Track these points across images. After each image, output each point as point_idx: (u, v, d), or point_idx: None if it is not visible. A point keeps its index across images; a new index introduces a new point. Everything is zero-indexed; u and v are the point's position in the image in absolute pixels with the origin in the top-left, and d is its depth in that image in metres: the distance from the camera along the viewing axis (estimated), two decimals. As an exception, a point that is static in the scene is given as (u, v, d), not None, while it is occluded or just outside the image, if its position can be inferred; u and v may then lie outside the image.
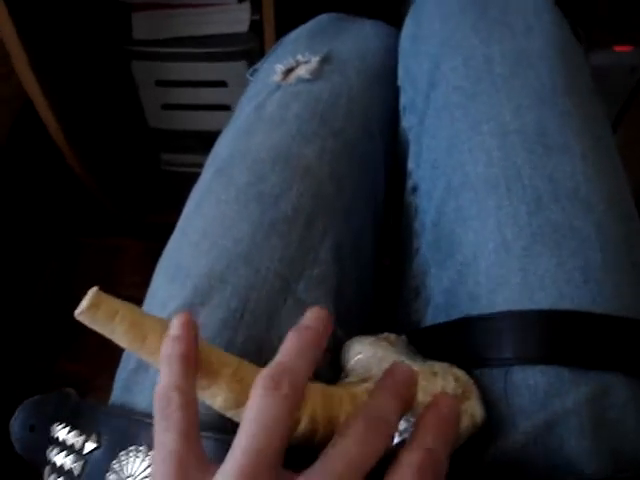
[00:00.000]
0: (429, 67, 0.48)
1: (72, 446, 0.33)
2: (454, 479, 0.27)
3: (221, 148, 0.46)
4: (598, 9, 0.90)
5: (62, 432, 0.34)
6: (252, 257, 0.36)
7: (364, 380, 0.32)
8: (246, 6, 0.90)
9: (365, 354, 0.33)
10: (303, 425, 0.28)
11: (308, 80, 0.47)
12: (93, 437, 0.32)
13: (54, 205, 1.11)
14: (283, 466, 0.25)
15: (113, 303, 0.28)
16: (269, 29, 0.83)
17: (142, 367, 0.35)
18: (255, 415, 0.24)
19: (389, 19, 0.59)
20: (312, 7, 0.60)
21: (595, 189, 0.37)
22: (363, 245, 0.44)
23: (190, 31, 0.93)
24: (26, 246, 1.05)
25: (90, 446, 0.32)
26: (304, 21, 0.56)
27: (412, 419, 0.29)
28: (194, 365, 0.27)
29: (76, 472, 0.32)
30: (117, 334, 0.28)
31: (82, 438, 0.33)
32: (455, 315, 0.36)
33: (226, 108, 0.98)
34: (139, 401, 0.34)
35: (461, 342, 0.35)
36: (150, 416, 0.27)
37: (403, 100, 0.52)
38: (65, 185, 1.04)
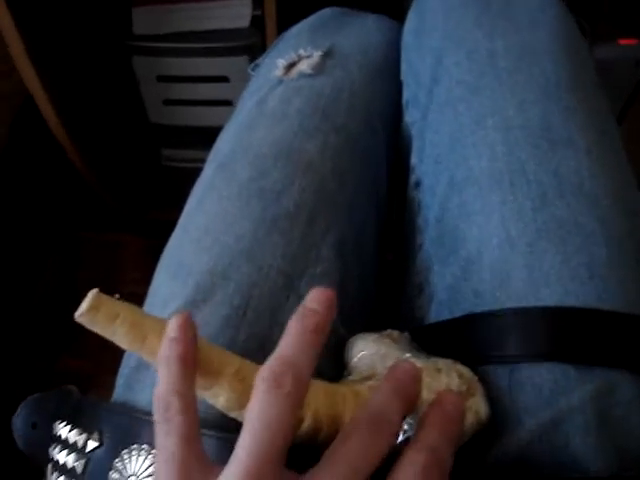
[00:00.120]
0: (432, 61, 0.47)
1: (74, 444, 0.33)
2: (459, 477, 0.27)
3: (223, 143, 0.46)
4: (603, 2, 0.89)
5: (64, 430, 0.33)
6: (254, 254, 0.36)
7: (367, 378, 0.31)
8: (247, 1, 0.90)
9: (368, 351, 0.33)
10: (306, 424, 0.28)
11: (310, 75, 0.47)
12: (95, 435, 0.32)
13: (55, 200, 1.11)
14: (286, 465, 0.24)
15: (113, 305, 0.28)
16: (271, 24, 0.82)
17: (144, 365, 0.35)
18: (258, 414, 0.24)
19: (391, 13, 0.58)
20: (314, 1, 0.59)
21: (600, 184, 0.36)
22: (366, 241, 0.44)
23: (191, 26, 0.92)
24: (27, 241, 1.05)
25: (92, 444, 0.32)
26: (306, 16, 0.56)
27: (416, 416, 0.29)
28: (193, 366, 0.27)
29: (78, 470, 0.32)
30: (117, 336, 0.28)
31: (84, 436, 0.33)
32: (459, 312, 0.36)
33: (228, 103, 0.98)
34: (141, 399, 0.34)
35: (465, 339, 0.35)
36: (152, 414, 0.27)
37: (406, 95, 0.52)
38: (66, 180, 1.04)
